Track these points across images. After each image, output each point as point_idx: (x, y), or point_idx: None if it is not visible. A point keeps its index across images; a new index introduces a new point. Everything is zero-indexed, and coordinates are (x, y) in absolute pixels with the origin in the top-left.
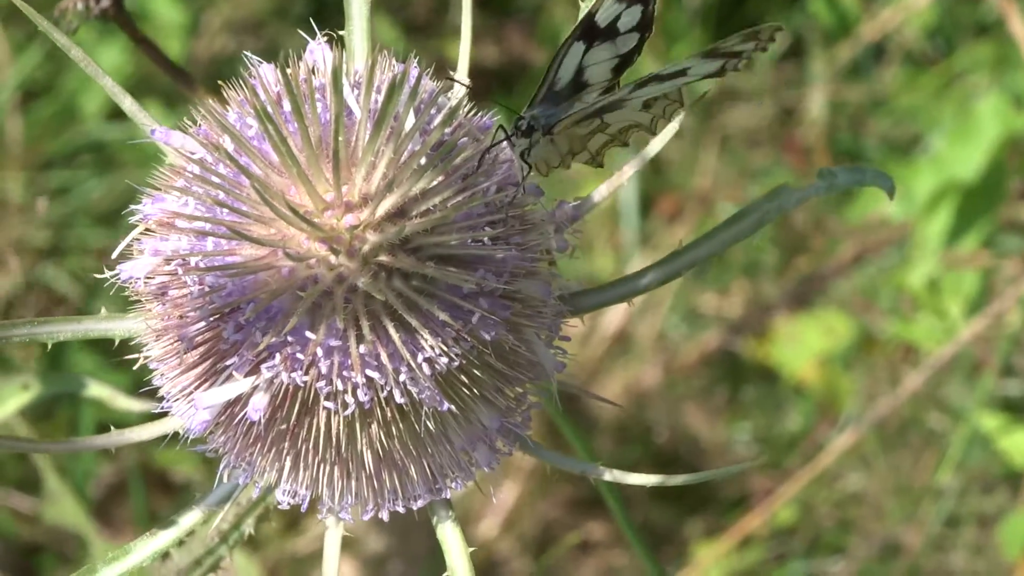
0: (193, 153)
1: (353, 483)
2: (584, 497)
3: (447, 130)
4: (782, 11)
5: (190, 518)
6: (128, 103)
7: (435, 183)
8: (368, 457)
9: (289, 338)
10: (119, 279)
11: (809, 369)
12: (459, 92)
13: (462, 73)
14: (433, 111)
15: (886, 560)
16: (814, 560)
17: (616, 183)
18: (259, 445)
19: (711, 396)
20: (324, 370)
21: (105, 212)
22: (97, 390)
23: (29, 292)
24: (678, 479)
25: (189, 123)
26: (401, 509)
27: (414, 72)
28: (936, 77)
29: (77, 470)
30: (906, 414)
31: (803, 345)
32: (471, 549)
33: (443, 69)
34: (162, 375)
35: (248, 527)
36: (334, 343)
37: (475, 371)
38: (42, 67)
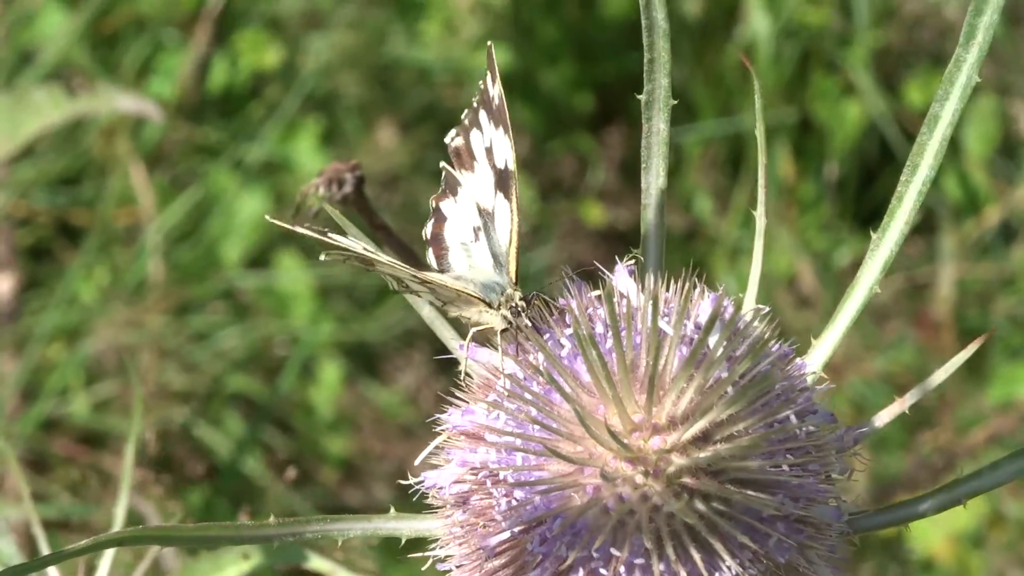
0: (501, 369)
1: None
2: None
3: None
4: None
5: None
6: (427, 312)
7: (740, 410)
8: None
9: (594, 554)
10: (423, 487)
11: (940, 546)
12: (756, 318)
13: (751, 300)
14: (739, 340)
15: None
16: None
17: (897, 410)
18: None
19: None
20: None
21: (241, 359)
22: (318, 563)
23: (166, 437)
24: None
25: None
26: None
27: (727, 303)
28: None
29: None
30: None
31: (934, 521)
32: None
33: (579, 231)
34: None
35: None
36: (637, 560)
37: None
38: (187, 213)
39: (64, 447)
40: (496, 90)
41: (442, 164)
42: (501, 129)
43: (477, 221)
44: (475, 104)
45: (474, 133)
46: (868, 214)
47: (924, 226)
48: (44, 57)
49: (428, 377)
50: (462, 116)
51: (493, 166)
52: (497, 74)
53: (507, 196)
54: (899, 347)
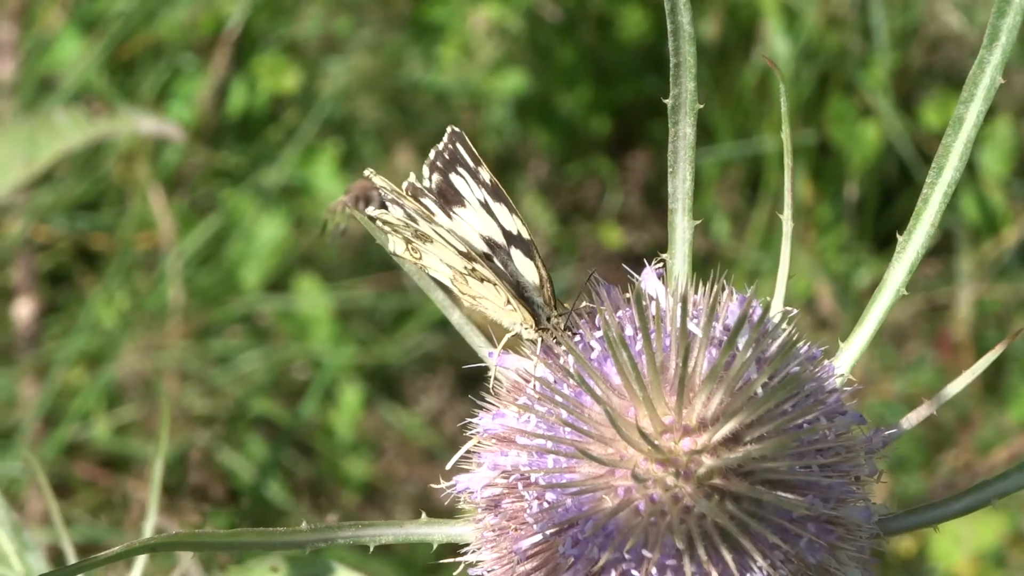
0: (528, 373)
1: None
2: None
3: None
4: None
5: None
6: (456, 317)
7: (769, 411)
8: None
9: (626, 555)
10: (455, 491)
11: (962, 564)
12: (782, 317)
13: (778, 302)
14: (768, 341)
15: None
16: None
17: (925, 412)
18: None
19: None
20: None
21: (262, 383)
22: (346, 575)
23: (189, 461)
24: None
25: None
26: None
27: (756, 304)
28: None
29: None
30: None
31: (957, 540)
32: None
33: (599, 253)
34: None
35: None
36: (669, 562)
37: None
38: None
39: (86, 471)
40: (487, 175)
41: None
42: (502, 204)
43: (484, 247)
44: (446, 156)
45: (455, 178)
46: (886, 236)
47: (942, 247)
48: (63, 83)
49: (450, 399)
50: (431, 158)
51: (499, 224)
52: (481, 159)
53: (529, 257)
54: (918, 368)
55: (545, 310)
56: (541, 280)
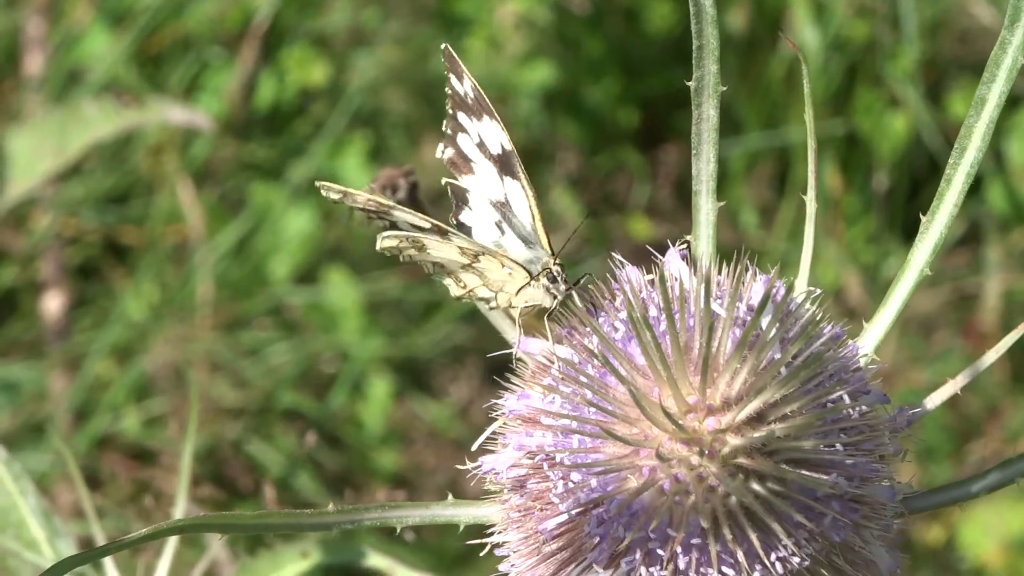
0: (553, 353)
1: None
2: None
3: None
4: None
5: None
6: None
7: (793, 390)
8: None
9: (651, 535)
10: (481, 471)
11: (992, 553)
12: (805, 297)
13: (802, 282)
14: (791, 321)
15: None
16: None
17: (949, 391)
18: None
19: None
20: (682, 566)
21: (291, 375)
22: (377, 560)
23: (217, 453)
24: None
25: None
26: None
27: (779, 284)
28: None
29: None
30: None
31: (986, 529)
32: None
33: (627, 246)
34: (513, 564)
35: None
36: (694, 541)
37: (820, 569)
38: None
39: (116, 463)
40: (468, 85)
41: (444, 180)
42: (486, 117)
43: (496, 216)
44: (450, 111)
45: (461, 137)
46: (914, 227)
47: (970, 237)
48: (91, 77)
49: (479, 390)
50: (443, 128)
51: (491, 156)
52: (463, 69)
53: (515, 176)
54: (946, 358)
55: (544, 261)
56: (531, 212)
